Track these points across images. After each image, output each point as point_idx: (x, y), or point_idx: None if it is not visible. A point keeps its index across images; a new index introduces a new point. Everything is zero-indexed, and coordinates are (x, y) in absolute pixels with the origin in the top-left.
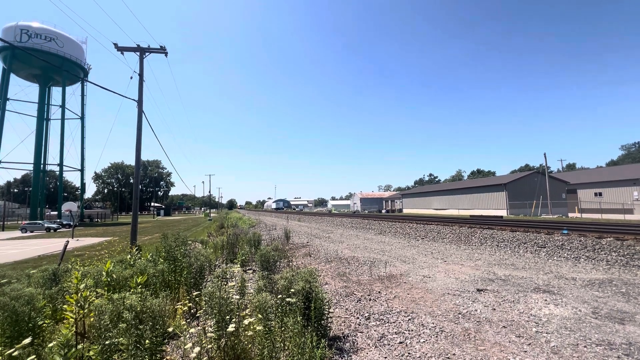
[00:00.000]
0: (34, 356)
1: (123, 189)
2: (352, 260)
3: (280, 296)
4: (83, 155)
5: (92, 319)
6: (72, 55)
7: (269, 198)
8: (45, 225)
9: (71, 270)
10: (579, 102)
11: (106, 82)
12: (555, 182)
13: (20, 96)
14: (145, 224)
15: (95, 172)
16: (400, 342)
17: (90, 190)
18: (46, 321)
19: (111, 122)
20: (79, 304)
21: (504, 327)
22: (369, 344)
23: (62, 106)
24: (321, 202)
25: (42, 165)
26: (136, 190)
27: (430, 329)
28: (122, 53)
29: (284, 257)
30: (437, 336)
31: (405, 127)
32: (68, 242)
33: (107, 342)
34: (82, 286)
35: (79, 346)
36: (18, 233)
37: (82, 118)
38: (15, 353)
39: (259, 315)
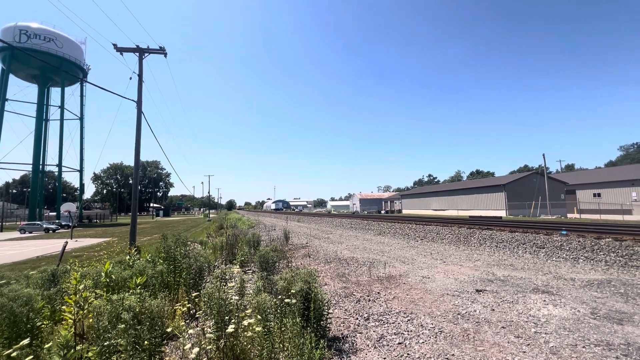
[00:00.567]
0: (31, 356)
1: (122, 190)
2: (352, 261)
3: (279, 297)
4: (82, 155)
5: (91, 320)
6: (71, 56)
7: (268, 199)
8: (44, 226)
9: (70, 271)
10: (578, 103)
11: (105, 82)
12: (554, 182)
13: (19, 97)
14: (144, 225)
15: (94, 173)
16: (400, 343)
17: (89, 191)
18: (45, 322)
19: (110, 122)
20: (77, 305)
21: (503, 327)
22: (368, 345)
23: (61, 107)
24: (320, 203)
25: (40, 166)
26: (135, 190)
27: (429, 329)
28: (122, 54)
29: (283, 258)
30: (436, 337)
31: (404, 128)
32: (67, 242)
33: (106, 343)
34: (81, 287)
35: (78, 347)
36: (17, 234)
37: (81, 119)
38: (14, 354)
39: (258, 316)
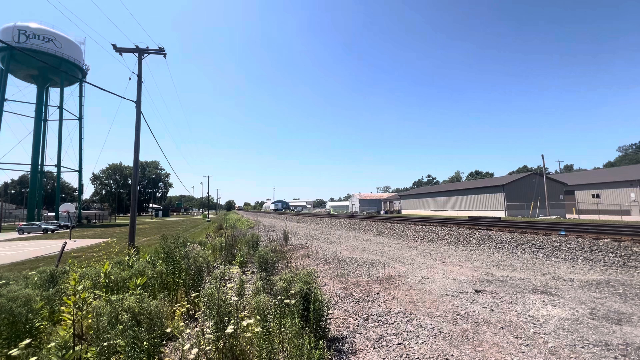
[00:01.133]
0: (31, 357)
1: (121, 190)
2: (351, 261)
3: (279, 297)
4: (81, 156)
5: (90, 321)
6: (70, 56)
7: (268, 199)
8: (43, 226)
9: (69, 272)
10: (577, 104)
11: (104, 83)
12: (553, 183)
13: (18, 97)
14: (143, 225)
15: (93, 173)
16: (399, 343)
17: (88, 191)
18: (44, 323)
19: (109, 123)
20: (76, 306)
21: (502, 328)
22: (367, 345)
23: (60, 107)
24: (320, 203)
25: (39, 166)
26: (134, 191)
27: (428, 330)
28: (121, 54)
29: (282, 259)
30: (435, 337)
31: (404, 128)
32: (66, 243)
33: (105, 344)
34: (80, 288)
35: (77, 348)
36: (15, 234)
37: (80, 119)
38: (14, 354)
39: (258, 317)
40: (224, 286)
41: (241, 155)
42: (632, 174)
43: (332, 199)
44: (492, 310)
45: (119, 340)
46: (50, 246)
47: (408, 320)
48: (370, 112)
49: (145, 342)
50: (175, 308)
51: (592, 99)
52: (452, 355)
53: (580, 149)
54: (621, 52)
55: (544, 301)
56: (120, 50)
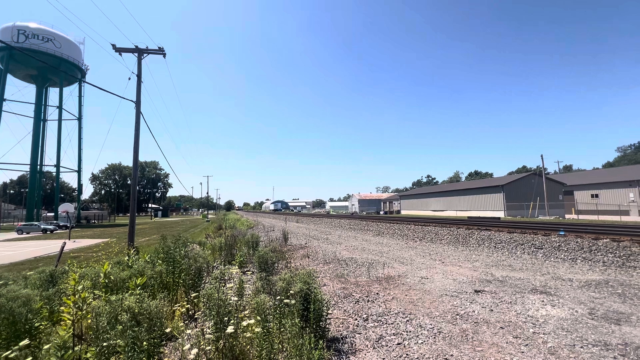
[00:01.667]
0: (30, 358)
1: (120, 190)
2: (351, 261)
3: (278, 297)
4: (80, 156)
5: (89, 321)
6: (70, 56)
7: (267, 199)
8: (42, 226)
9: (68, 272)
10: (576, 104)
11: (104, 83)
12: (552, 183)
13: (17, 97)
14: (142, 225)
15: (92, 173)
16: (399, 343)
17: (88, 191)
18: (43, 323)
19: (109, 123)
20: (76, 306)
21: (501, 328)
22: (367, 345)
23: (60, 107)
24: (319, 204)
25: (38, 166)
26: (134, 191)
27: (428, 330)
28: (120, 54)
29: (282, 259)
30: (435, 337)
31: (403, 128)
32: (65, 243)
33: (104, 344)
34: (79, 288)
35: (76, 348)
36: (14, 234)
37: (80, 119)
38: (13, 355)
39: (257, 317)
40: (223, 286)
41: (241, 155)
42: (631, 174)
43: (331, 199)
44: (492, 310)
45: (119, 340)
46: (49, 246)
47: (408, 320)
48: (370, 112)
49: (145, 342)
50: (175, 308)
51: (592, 99)
52: (451, 355)
53: (579, 149)
54: (621, 52)
55: (543, 301)
56: (119, 50)
